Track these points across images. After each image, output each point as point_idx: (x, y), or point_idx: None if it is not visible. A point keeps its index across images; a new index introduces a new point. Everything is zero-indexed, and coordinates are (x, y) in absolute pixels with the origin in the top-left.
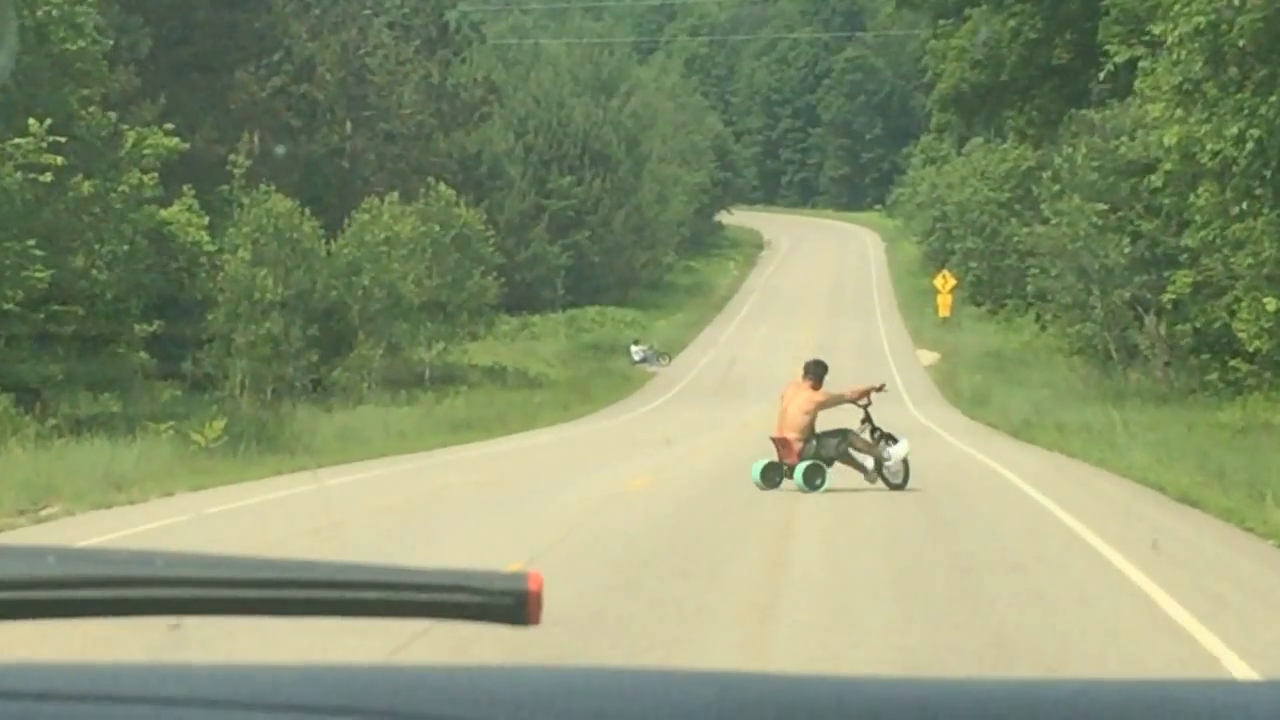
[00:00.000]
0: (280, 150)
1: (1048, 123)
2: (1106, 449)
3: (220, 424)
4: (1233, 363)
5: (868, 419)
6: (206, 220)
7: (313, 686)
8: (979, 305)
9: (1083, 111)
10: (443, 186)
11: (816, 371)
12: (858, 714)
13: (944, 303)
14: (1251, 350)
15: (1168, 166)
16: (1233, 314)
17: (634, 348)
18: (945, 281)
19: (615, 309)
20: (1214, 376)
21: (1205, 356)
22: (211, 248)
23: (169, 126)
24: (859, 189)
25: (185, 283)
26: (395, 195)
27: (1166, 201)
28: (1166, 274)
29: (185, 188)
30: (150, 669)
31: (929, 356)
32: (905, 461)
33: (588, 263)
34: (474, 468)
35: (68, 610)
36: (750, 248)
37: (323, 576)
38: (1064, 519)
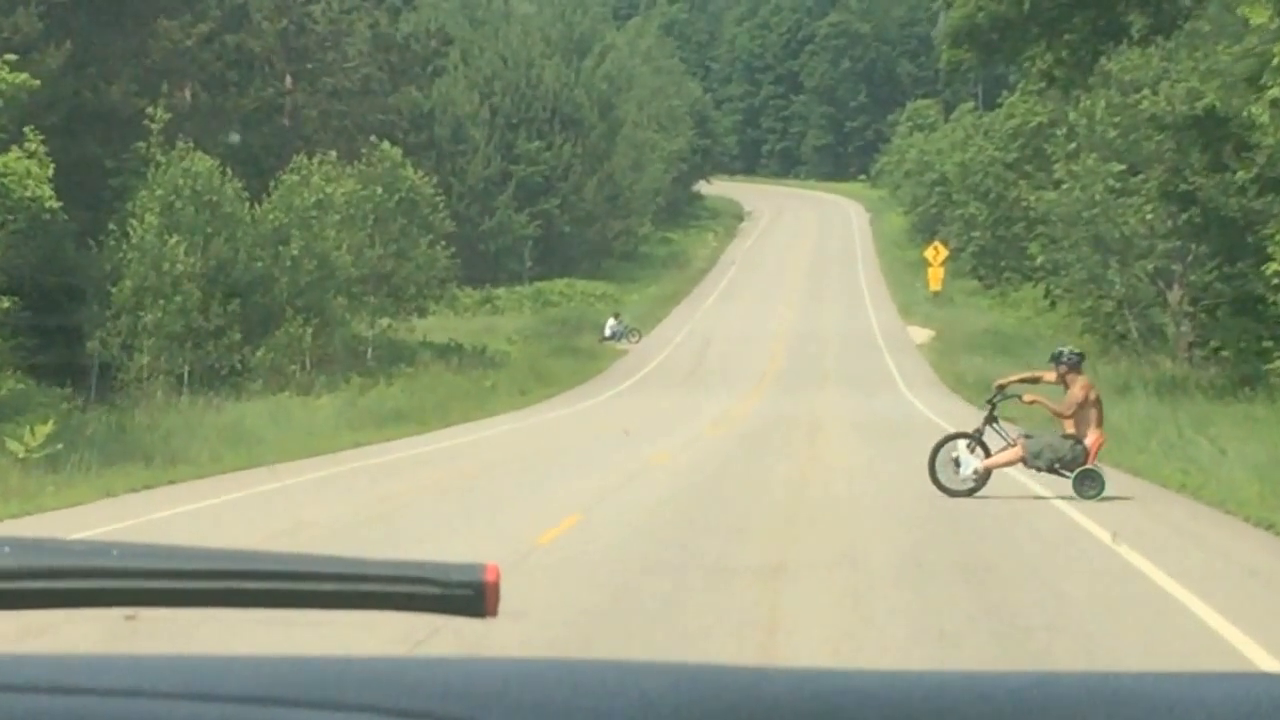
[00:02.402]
0: (208, 103)
1: (1079, 63)
2: (1187, 465)
3: (46, 428)
4: None
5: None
6: (51, 170)
7: (267, 678)
8: (981, 279)
9: (1107, 62)
10: (387, 145)
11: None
12: (813, 707)
13: (935, 276)
14: None
15: (1275, 91)
16: None
17: (610, 321)
18: (937, 253)
19: (586, 282)
20: (1275, 365)
21: (1268, 343)
22: (53, 204)
23: (10, 57)
24: (842, 158)
25: (71, 253)
26: (331, 154)
27: (1272, 140)
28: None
29: (27, 129)
30: (104, 660)
31: (921, 334)
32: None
33: (557, 232)
34: (358, 489)
35: (22, 601)
36: (730, 218)
37: (279, 568)
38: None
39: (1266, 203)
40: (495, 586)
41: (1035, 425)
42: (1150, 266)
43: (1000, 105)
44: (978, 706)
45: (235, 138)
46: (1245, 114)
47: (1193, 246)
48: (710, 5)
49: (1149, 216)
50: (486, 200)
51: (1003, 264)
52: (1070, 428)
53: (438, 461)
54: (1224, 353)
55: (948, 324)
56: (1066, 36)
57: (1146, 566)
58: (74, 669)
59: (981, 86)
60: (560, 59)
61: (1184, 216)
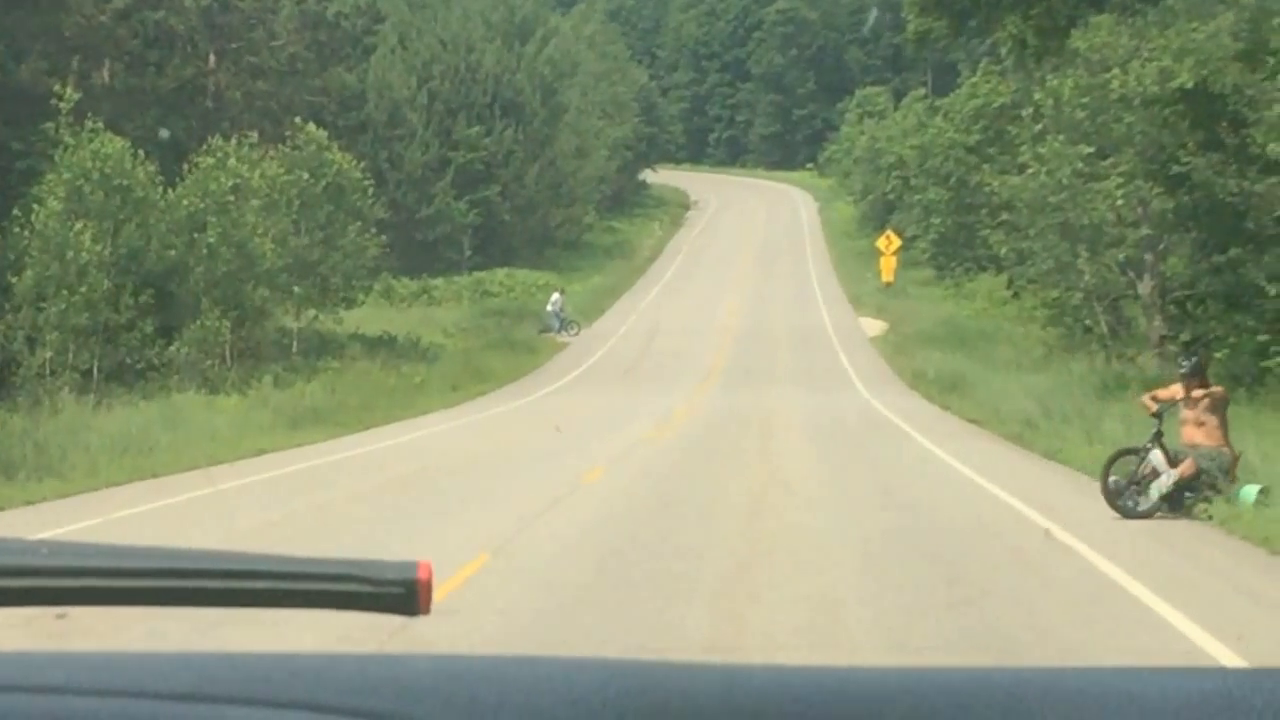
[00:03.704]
0: (126, 83)
1: (1054, 30)
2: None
3: None
4: None
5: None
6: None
7: (198, 675)
8: (940, 268)
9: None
10: (312, 127)
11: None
12: (746, 702)
13: (887, 266)
14: None
15: None
16: None
17: (555, 296)
18: (889, 242)
19: (527, 272)
20: (1274, 362)
21: (1263, 337)
22: None
23: None
24: (790, 147)
25: None
26: (252, 135)
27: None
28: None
29: None
30: (33, 657)
31: (874, 326)
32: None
33: (498, 221)
34: (211, 520)
35: None
36: (676, 207)
37: (211, 566)
38: None
39: (1270, 185)
40: (428, 584)
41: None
42: (1121, 256)
43: (951, 93)
44: (926, 701)
45: (165, 133)
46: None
47: (1165, 235)
48: None
49: (1119, 203)
50: (424, 187)
51: (966, 253)
52: (1202, 439)
53: (335, 477)
54: (1216, 352)
55: (901, 316)
56: (1044, 4)
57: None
58: (2, 666)
59: (931, 75)
60: (501, 43)
61: (1172, 201)
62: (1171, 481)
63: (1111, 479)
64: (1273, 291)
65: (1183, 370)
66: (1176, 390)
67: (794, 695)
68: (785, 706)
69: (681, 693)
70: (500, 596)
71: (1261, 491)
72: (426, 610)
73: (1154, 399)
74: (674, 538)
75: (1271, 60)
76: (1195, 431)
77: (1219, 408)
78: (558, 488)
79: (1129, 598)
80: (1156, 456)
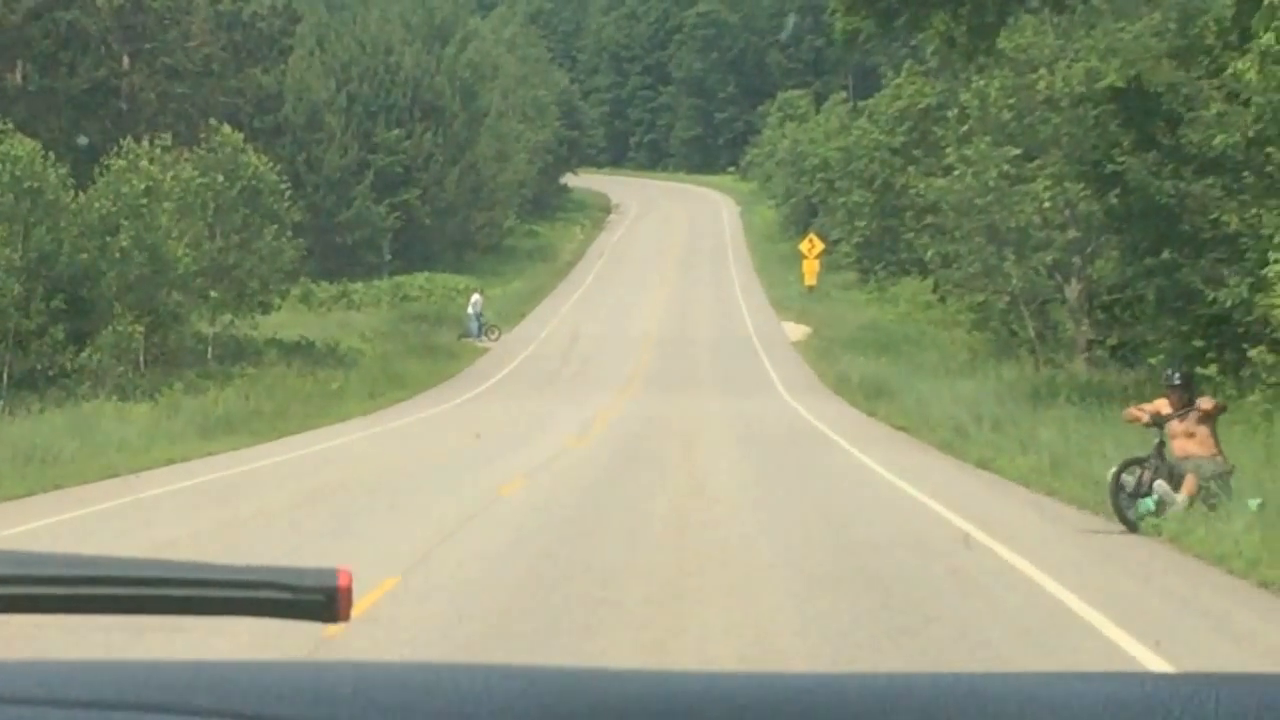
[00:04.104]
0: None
1: (984, 27)
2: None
3: None
4: (1254, 352)
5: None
6: None
7: (115, 683)
8: (864, 271)
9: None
10: (227, 129)
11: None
12: (665, 708)
13: (810, 269)
14: None
15: (1269, 38)
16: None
17: (474, 297)
18: (812, 246)
19: (447, 276)
20: (1210, 369)
21: (1199, 342)
22: None
23: None
24: (712, 150)
25: None
26: (167, 138)
27: (1259, 102)
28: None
29: None
30: None
31: (797, 330)
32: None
33: (418, 224)
34: (131, 526)
35: None
36: (597, 211)
37: (130, 573)
38: None
39: (1206, 185)
40: (348, 591)
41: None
42: (1049, 259)
43: (873, 96)
44: (849, 706)
45: (84, 140)
46: (1231, 70)
47: (1094, 238)
48: None
49: (1046, 205)
50: (343, 190)
51: (890, 256)
52: (1195, 448)
53: (241, 490)
54: (1151, 358)
55: (824, 320)
56: (972, 1)
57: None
58: None
59: (853, 78)
60: (421, 45)
61: (1104, 203)
62: (1185, 507)
63: (1123, 495)
64: (1210, 295)
65: (1174, 384)
66: (1162, 404)
67: (722, 701)
68: (713, 712)
69: (607, 699)
70: (408, 627)
71: (1260, 505)
72: (346, 617)
73: (1141, 410)
74: (596, 558)
75: (1205, 58)
76: (1188, 443)
77: (1209, 418)
78: (474, 502)
79: (1083, 624)
80: (1161, 487)
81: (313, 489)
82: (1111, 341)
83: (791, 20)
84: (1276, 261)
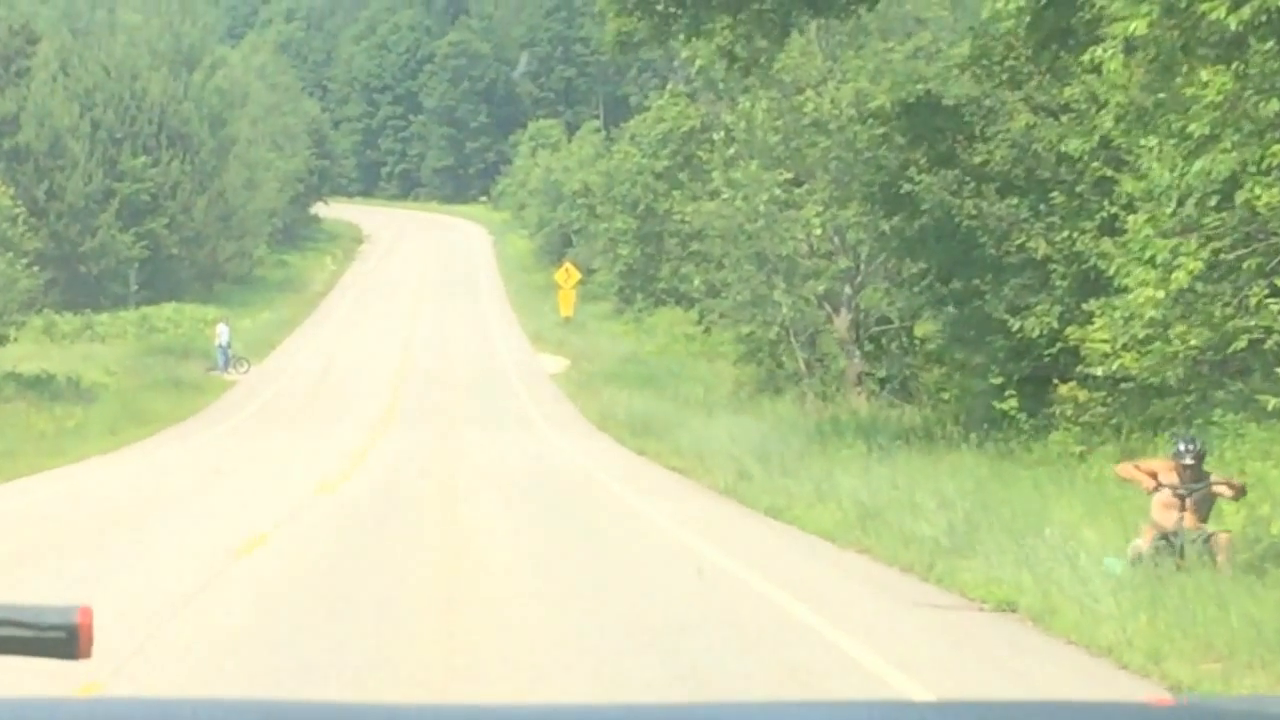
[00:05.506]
0: None
1: (768, 35)
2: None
3: None
4: (1064, 388)
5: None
6: None
7: None
8: (627, 301)
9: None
10: None
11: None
12: None
13: (566, 300)
14: (1107, 370)
15: (1135, 24)
16: (1069, 322)
17: (220, 327)
18: (568, 275)
19: (195, 306)
20: (1009, 405)
21: (996, 379)
22: None
23: None
24: (463, 180)
25: None
26: None
27: (1122, 99)
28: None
29: None
30: None
31: (554, 363)
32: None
33: (165, 254)
34: None
35: None
36: (349, 241)
37: None
38: None
39: (1011, 207)
40: (88, 629)
41: None
42: (820, 288)
43: (623, 123)
44: None
45: None
46: (1089, 59)
47: (862, 266)
48: (327, 23)
49: (816, 232)
50: (88, 219)
51: (657, 284)
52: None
53: None
54: (944, 393)
55: (583, 352)
56: (756, 6)
57: None
58: None
59: (604, 107)
60: (168, 71)
61: (891, 225)
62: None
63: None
64: (1015, 325)
65: (1187, 464)
66: (1161, 467)
67: None
68: None
69: None
70: None
71: (1121, 563)
72: (88, 654)
73: (1140, 471)
74: (347, 653)
75: (997, 68)
76: (1189, 515)
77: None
78: (204, 569)
79: None
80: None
81: (15, 550)
82: (880, 374)
83: (524, 59)
84: (1106, 295)
